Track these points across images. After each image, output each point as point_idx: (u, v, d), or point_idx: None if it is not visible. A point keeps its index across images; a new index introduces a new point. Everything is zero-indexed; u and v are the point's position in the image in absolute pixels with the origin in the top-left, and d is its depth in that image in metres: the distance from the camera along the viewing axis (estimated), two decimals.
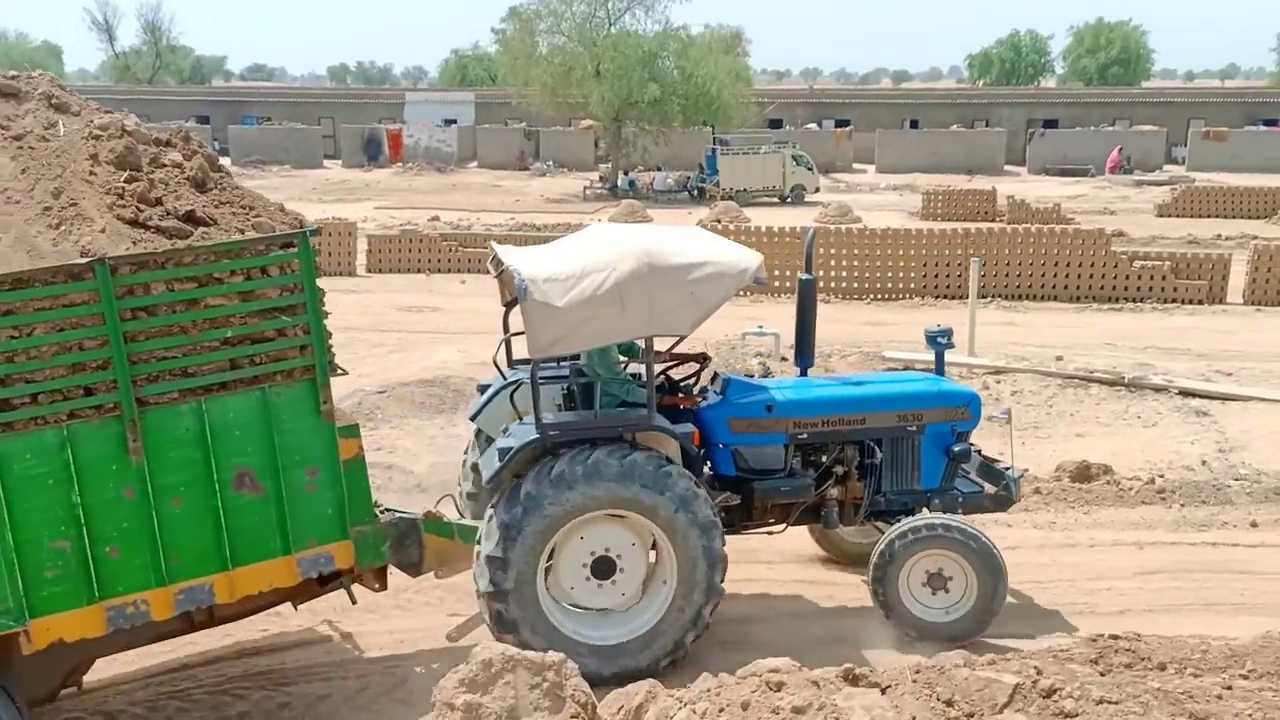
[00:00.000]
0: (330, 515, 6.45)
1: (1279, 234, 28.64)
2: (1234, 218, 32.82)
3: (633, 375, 7.70)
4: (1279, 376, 14.62)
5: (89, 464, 5.78)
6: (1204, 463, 11.26)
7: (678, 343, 7.74)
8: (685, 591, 6.99)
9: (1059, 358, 15.38)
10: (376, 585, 7.10)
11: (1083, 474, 10.66)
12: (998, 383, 14.24)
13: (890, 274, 20.73)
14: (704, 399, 7.84)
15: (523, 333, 6.90)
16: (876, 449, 8.00)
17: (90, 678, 7.01)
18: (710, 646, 7.32)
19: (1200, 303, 19.89)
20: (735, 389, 7.87)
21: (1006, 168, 50.25)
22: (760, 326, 15.66)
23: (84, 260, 5.61)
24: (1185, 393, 13.65)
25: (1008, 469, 8.22)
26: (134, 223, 5.94)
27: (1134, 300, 20.02)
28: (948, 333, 8.52)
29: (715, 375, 8.15)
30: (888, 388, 8.30)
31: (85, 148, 6.21)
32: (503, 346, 7.69)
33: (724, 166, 38.85)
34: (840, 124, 57.50)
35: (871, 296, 20.71)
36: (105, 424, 5.80)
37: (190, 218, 6.12)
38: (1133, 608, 8.12)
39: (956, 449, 8.05)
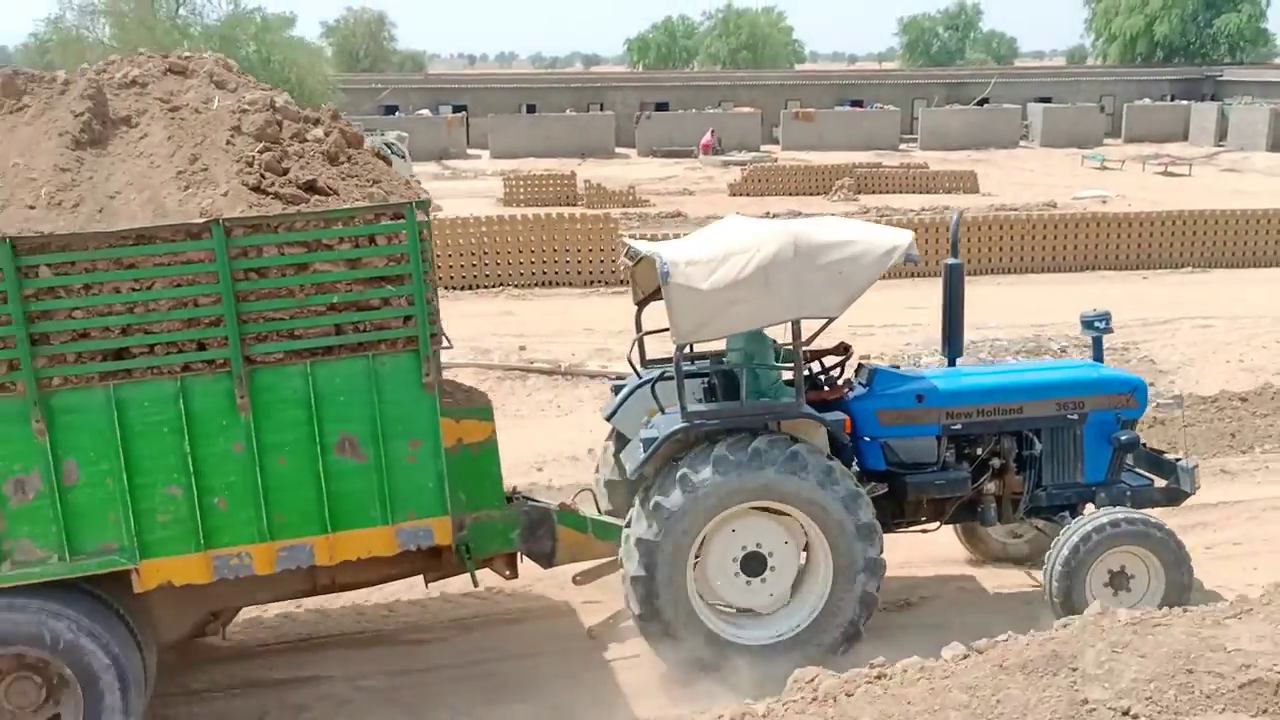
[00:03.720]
0: (430, 489, 6.61)
1: (833, 209, 30.84)
2: (801, 195, 35.19)
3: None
4: None
5: (200, 416, 6.20)
6: (590, 451, 11.39)
7: (820, 331, 7.47)
8: (839, 596, 6.92)
9: (522, 347, 15.43)
10: (507, 572, 7.46)
11: None
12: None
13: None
14: (849, 391, 7.71)
15: (659, 330, 7.14)
16: (1036, 440, 7.81)
17: None
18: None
19: None
20: (882, 379, 7.74)
21: (618, 150, 51.68)
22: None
23: (202, 220, 6.03)
24: (621, 377, 13.91)
25: (1178, 460, 8.01)
26: (256, 189, 6.30)
27: None
28: (1105, 317, 8.29)
29: (860, 366, 8.04)
30: (1045, 375, 8.22)
31: (230, 120, 6.63)
32: (636, 345, 7.98)
33: None
34: (457, 109, 56.95)
35: None
36: (216, 379, 6.20)
37: (311, 187, 6.44)
38: None
39: (1123, 438, 7.83)
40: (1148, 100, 59.27)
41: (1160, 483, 8.08)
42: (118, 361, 6.07)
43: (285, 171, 6.50)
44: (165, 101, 6.84)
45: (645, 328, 8.18)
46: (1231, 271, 22.17)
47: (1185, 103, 57.22)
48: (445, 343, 6.88)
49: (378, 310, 6.38)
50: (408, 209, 6.37)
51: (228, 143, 6.53)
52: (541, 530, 7.35)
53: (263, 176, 6.39)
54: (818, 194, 35.27)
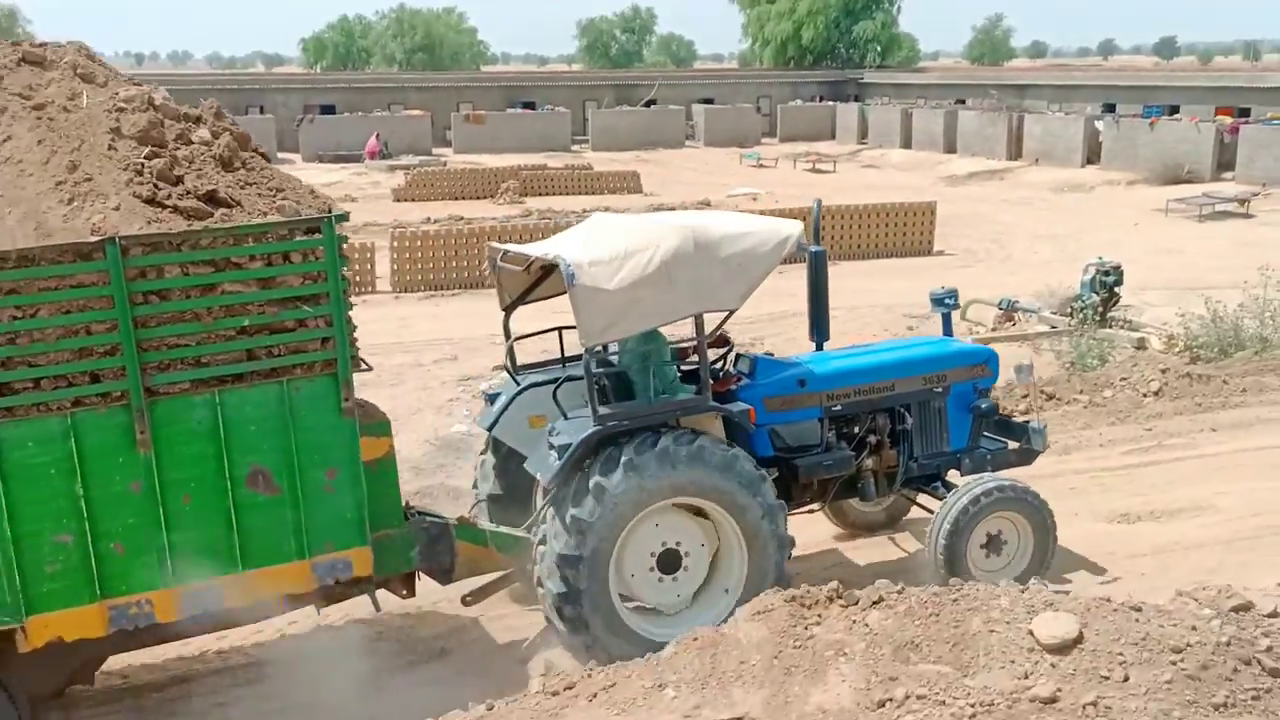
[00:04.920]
0: (350, 519, 6.34)
1: (497, 212, 30.74)
2: (466, 199, 34.93)
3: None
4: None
5: (94, 455, 5.72)
6: None
7: (721, 324, 7.58)
8: (756, 578, 7.01)
9: None
10: (404, 592, 7.15)
11: None
12: None
13: None
14: (736, 381, 7.83)
15: (530, 335, 7.59)
16: (906, 414, 8.18)
17: None
18: None
19: None
20: (763, 367, 7.94)
21: (281, 155, 49.38)
22: None
23: (94, 239, 5.53)
24: None
25: (1028, 422, 8.60)
26: (151, 201, 5.78)
27: None
28: (953, 293, 8.73)
29: (738, 356, 8.19)
30: (910, 352, 8.52)
31: (107, 120, 6.02)
32: (508, 353, 7.81)
33: None
34: None
35: None
36: (112, 413, 5.74)
37: (212, 198, 5.96)
38: None
39: (984, 406, 8.35)
40: (799, 101, 63.35)
41: (1013, 444, 8.65)
42: None
43: (179, 180, 6.00)
44: (25, 98, 6.11)
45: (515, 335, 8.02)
46: (855, 264, 23.69)
47: (832, 104, 61.65)
48: (364, 365, 6.54)
49: (293, 332, 6.08)
50: (325, 223, 6.02)
51: (109, 147, 5.93)
52: (440, 546, 7.13)
53: (156, 187, 5.88)
54: (484, 198, 35.21)
